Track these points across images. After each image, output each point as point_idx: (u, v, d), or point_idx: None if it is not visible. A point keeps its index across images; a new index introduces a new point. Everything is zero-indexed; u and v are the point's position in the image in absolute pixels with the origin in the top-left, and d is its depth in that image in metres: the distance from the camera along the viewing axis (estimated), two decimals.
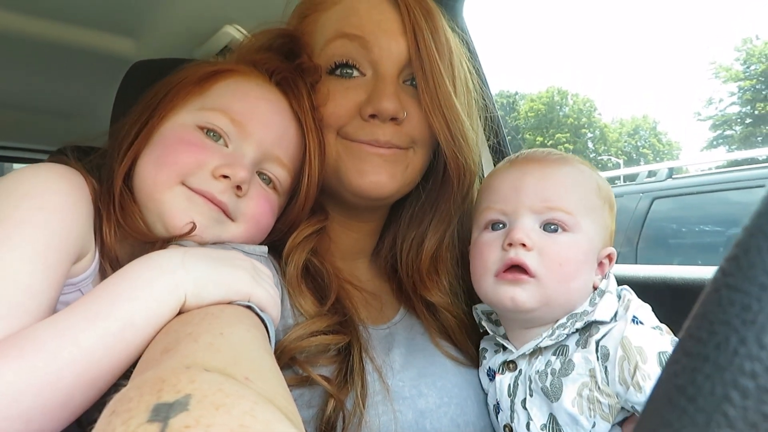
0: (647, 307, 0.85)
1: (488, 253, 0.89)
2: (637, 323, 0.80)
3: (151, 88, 0.95)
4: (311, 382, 0.82)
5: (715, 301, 0.20)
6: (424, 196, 1.05)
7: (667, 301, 1.27)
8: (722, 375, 0.19)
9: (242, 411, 0.38)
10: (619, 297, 0.88)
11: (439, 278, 1.03)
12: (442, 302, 1.01)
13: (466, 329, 1.04)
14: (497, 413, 0.94)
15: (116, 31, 1.78)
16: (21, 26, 1.66)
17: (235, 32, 1.73)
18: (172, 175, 0.83)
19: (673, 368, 0.21)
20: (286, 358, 0.81)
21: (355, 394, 0.82)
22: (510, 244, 0.86)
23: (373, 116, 0.91)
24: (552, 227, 0.86)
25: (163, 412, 0.37)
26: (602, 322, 0.84)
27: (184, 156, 0.84)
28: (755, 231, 0.19)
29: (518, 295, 0.84)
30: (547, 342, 0.86)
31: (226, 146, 0.87)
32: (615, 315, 0.85)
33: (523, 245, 0.85)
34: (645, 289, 1.29)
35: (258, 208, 0.89)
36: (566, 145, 48.13)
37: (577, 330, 0.86)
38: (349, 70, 0.94)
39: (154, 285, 0.64)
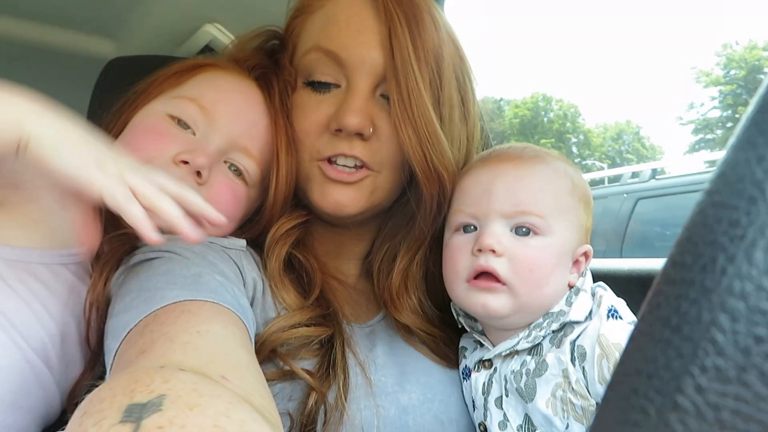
0: (621, 302, 0.84)
1: (459, 257, 0.88)
2: (616, 318, 0.79)
3: (138, 84, 0.95)
4: (293, 376, 0.80)
5: (699, 222, 0.19)
6: (401, 210, 1.01)
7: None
8: (709, 298, 0.18)
9: (217, 411, 0.37)
10: (594, 294, 0.87)
11: (409, 296, 1.00)
12: (413, 322, 0.98)
13: (443, 340, 1.01)
14: (473, 411, 0.93)
15: (94, 31, 1.76)
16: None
17: (215, 31, 1.71)
18: None
19: (656, 300, 0.19)
20: (267, 350, 0.79)
21: (337, 387, 0.80)
22: (480, 250, 0.84)
23: (339, 130, 0.88)
24: (523, 230, 0.84)
25: (136, 413, 0.36)
26: (577, 322, 0.82)
27: (146, 144, 0.84)
28: (743, 145, 0.18)
29: (490, 302, 0.83)
30: (524, 345, 0.85)
31: (194, 135, 0.87)
32: (590, 313, 0.83)
33: (493, 251, 0.83)
34: (629, 283, 1.29)
35: (218, 196, 0.87)
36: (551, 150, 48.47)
37: (553, 331, 0.85)
38: (324, 87, 0.92)
39: None
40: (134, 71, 1.03)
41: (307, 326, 0.84)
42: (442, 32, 0.93)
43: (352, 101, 0.88)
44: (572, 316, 0.82)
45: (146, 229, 0.60)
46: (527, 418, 0.83)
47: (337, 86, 0.91)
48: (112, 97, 0.97)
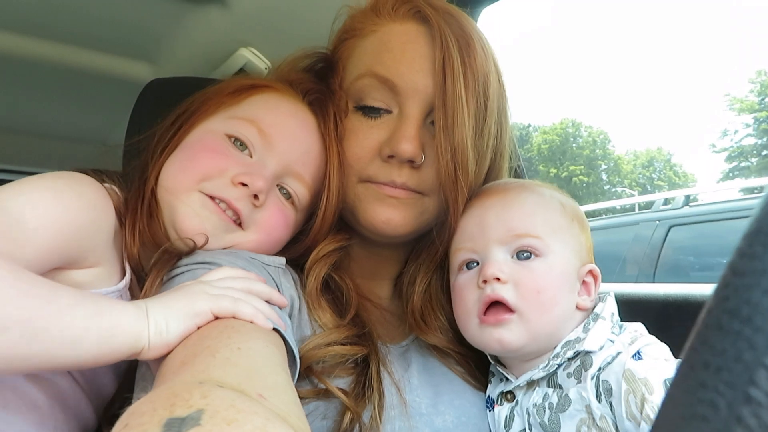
0: (663, 348, 0.81)
1: (467, 294, 0.88)
2: (638, 359, 0.76)
3: (189, 98, 0.97)
4: (327, 394, 0.80)
5: None
6: (429, 231, 1.01)
7: (684, 320, 1.23)
8: None
9: (254, 427, 0.38)
10: (620, 326, 0.86)
11: (435, 316, 1.01)
12: (441, 342, 0.98)
13: (475, 361, 1.00)
14: None
15: (132, 55, 1.81)
16: (39, 51, 1.69)
17: (249, 55, 1.75)
18: (192, 179, 0.84)
19: (723, 292, 0.19)
20: (302, 367, 0.79)
21: (372, 407, 0.80)
22: (485, 281, 0.84)
23: (391, 157, 0.89)
24: (524, 254, 0.85)
25: (175, 427, 0.37)
26: (592, 352, 0.81)
27: (206, 161, 0.85)
28: None
29: (504, 336, 0.83)
30: (541, 374, 0.84)
31: (251, 156, 0.88)
32: (613, 344, 0.81)
33: (497, 279, 0.83)
34: (665, 308, 1.26)
35: (271, 220, 0.89)
36: (581, 177, 48.08)
37: (569, 359, 0.83)
38: (375, 112, 0.93)
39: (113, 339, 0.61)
40: (172, 93, 1.05)
41: (343, 345, 0.84)
42: (489, 62, 0.94)
43: (406, 129, 0.88)
44: (587, 344, 0.81)
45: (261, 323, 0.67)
46: None
47: (389, 112, 0.92)
48: (150, 117, 0.99)
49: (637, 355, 0.77)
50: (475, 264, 0.89)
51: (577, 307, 0.87)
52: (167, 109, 0.98)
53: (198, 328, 0.64)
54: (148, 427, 0.37)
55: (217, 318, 0.65)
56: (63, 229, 0.69)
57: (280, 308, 0.75)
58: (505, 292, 0.83)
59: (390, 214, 0.91)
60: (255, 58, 1.75)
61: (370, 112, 0.93)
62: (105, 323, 0.60)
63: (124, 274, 0.82)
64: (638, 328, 0.85)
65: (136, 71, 1.83)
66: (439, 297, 1.02)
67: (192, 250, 0.82)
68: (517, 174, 1.59)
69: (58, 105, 2.08)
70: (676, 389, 0.19)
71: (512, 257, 0.85)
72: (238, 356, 0.55)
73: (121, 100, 1.71)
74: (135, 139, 0.98)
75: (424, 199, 0.94)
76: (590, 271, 0.89)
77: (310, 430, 0.54)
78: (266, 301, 0.73)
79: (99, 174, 0.84)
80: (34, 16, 1.55)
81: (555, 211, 0.89)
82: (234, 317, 0.66)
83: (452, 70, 0.86)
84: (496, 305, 0.84)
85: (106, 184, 0.82)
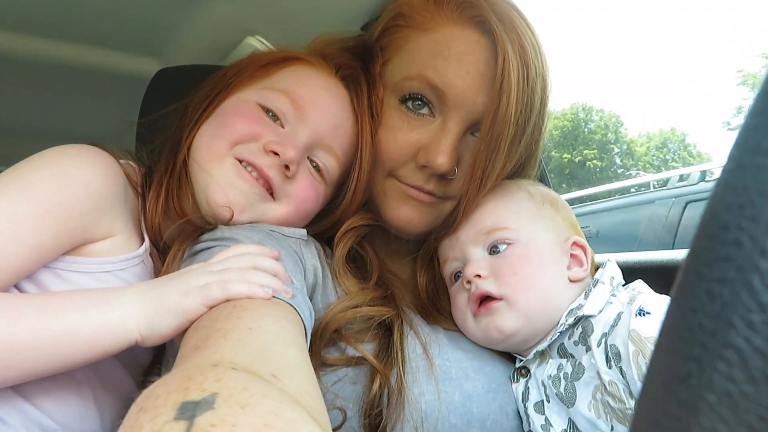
0: (665, 300, 0.79)
1: (459, 299, 0.92)
2: (643, 315, 0.75)
3: (221, 70, 0.98)
4: (357, 362, 0.81)
5: None
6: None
7: None
8: None
9: (267, 410, 0.38)
10: (618, 287, 0.87)
11: (443, 303, 1.02)
12: (453, 327, 0.98)
13: None
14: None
15: (139, 50, 1.82)
16: (45, 51, 1.70)
17: (257, 44, 1.75)
18: (225, 144, 0.85)
19: (743, 136, 0.18)
20: (330, 330, 0.81)
21: (397, 369, 0.81)
22: (468, 281, 0.88)
23: (425, 166, 0.90)
24: (498, 247, 0.88)
25: (189, 411, 0.37)
26: (592, 316, 0.81)
27: (239, 126, 0.86)
28: None
29: (498, 322, 0.85)
30: (547, 343, 0.86)
31: (282, 127, 0.88)
32: (612, 305, 0.82)
33: (478, 276, 0.87)
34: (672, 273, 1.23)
35: (303, 192, 0.89)
36: (594, 161, 47.60)
37: (570, 326, 0.84)
38: (419, 104, 0.92)
39: (102, 332, 0.65)
40: (181, 81, 1.05)
41: (370, 306, 0.85)
42: (539, 83, 0.91)
43: (445, 142, 0.89)
44: (586, 309, 0.82)
45: (260, 295, 0.66)
46: (571, 423, 0.81)
47: (432, 116, 0.92)
48: (160, 106, 1.00)
49: (642, 312, 0.76)
50: (461, 273, 0.93)
51: (571, 280, 0.88)
52: (176, 98, 0.98)
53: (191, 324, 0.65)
54: (162, 411, 0.37)
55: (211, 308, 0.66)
56: (62, 215, 0.71)
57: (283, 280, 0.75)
58: (487, 286, 0.87)
59: (411, 214, 0.94)
60: (262, 47, 1.75)
61: (416, 102, 0.92)
62: (86, 330, 0.63)
63: (142, 240, 0.84)
64: (637, 285, 0.86)
65: (144, 66, 1.84)
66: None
67: (216, 224, 0.83)
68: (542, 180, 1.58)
69: (68, 105, 2.09)
70: (697, 240, 0.19)
71: (490, 253, 0.89)
72: (249, 336, 0.55)
73: (131, 95, 1.72)
74: (150, 116, 0.99)
75: (445, 203, 0.96)
76: (575, 243, 0.91)
77: (326, 408, 0.54)
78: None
79: (111, 149, 0.85)
80: (39, 16, 1.56)
81: (521, 200, 0.93)
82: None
83: (508, 96, 0.85)
84: (486, 300, 0.87)
85: (122, 160, 0.83)
